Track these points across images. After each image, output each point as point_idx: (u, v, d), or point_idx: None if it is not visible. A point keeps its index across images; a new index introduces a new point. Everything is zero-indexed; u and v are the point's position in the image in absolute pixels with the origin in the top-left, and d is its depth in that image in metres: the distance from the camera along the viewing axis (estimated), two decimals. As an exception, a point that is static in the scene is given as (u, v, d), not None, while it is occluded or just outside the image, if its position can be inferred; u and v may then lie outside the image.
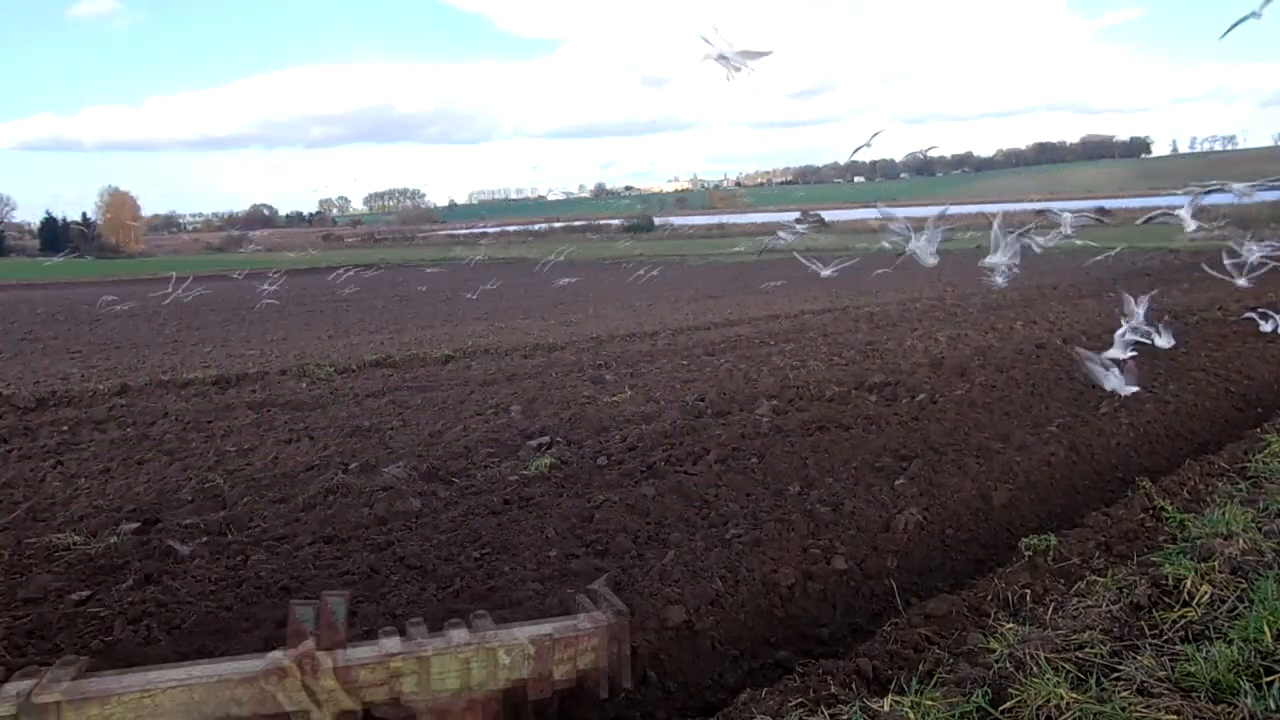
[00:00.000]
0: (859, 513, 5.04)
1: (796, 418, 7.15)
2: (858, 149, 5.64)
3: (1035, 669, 3.01)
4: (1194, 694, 2.80)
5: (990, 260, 6.47)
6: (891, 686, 3.13)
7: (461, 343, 13.90)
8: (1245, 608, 3.32)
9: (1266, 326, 10.16)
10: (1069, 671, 3.00)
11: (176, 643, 3.75)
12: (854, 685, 3.23)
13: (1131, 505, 5.09)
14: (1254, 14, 5.91)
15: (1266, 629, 3.08)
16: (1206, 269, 10.98)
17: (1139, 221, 9.07)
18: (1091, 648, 3.14)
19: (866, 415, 7.08)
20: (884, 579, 4.60)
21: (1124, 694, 2.81)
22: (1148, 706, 2.72)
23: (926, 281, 20.28)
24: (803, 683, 3.27)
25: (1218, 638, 3.11)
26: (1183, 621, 3.30)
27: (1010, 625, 3.56)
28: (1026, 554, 4.38)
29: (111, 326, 19.67)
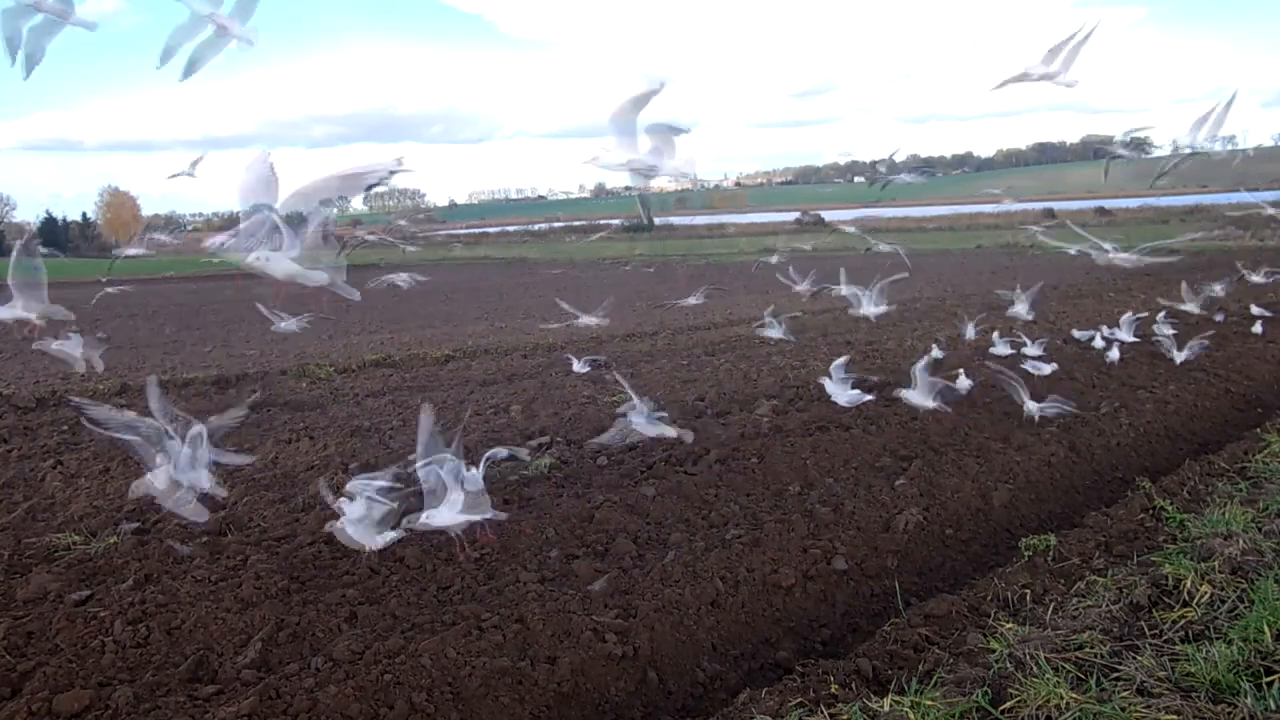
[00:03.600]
0: (859, 513, 5.04)
1: (797, 418, 7.14)
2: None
3: (1035, 669, 3.01)
4: (1194, 694, 2.80)
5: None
6: (891, 686, 3.13)
7: (462, 343, 13.90)
8: (1245, 608, 3.32)
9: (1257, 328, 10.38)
10: (1069, 671, 3.01)
11: (176, 644, 3.75)
12: (854, 685, 3.23)
13: (1131, 505, 5.09)
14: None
15: (1266, 629, 3.08)
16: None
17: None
18: (1091, 648, 3.14)
19: (866, 415, 7.08)
20: (884, 579, 4.60)
21: (1124, 694, 2.81)
22: (1148, 706, 2.72)
23: (926, 282, 20.28)
24: (803, 683, 3.27)
25: (1218, 638, 3.11)
26: (1183, 621, 3.30)
27: (1010, 625, 3.56)
28: (1026, 554, 4.39)
29: (111, 327, 19.66)
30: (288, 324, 8.88)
